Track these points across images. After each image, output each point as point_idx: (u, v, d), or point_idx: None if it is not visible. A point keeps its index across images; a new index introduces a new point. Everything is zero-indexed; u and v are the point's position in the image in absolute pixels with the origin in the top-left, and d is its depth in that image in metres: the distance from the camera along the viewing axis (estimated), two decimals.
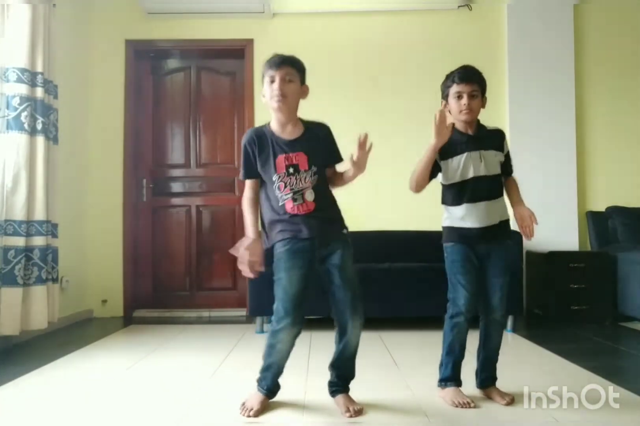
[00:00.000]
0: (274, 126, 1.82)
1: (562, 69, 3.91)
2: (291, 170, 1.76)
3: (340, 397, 1.82)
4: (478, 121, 1.93)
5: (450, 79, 1.89)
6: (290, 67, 1.76)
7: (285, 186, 1.76)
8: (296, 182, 1.76)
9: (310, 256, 1.76)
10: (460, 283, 1.85)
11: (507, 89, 3.90)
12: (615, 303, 3.43)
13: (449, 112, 1.92)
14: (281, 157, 1.77)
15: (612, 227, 3.79)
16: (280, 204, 1.77)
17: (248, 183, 1.85)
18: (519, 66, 3.91)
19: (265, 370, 1.84)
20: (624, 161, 3.96)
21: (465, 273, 1.85)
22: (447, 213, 1.92)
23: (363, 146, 1.74)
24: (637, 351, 2.73)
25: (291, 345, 1.79)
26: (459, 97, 1.86)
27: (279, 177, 1.77)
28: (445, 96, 1.92)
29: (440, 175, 1.91)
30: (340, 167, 1.87)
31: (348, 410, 1.74)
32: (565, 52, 3.92)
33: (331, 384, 1.87)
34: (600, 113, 3.98)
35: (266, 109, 1.86)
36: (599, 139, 3.97)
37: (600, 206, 3.90)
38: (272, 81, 1.76)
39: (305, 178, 1.76)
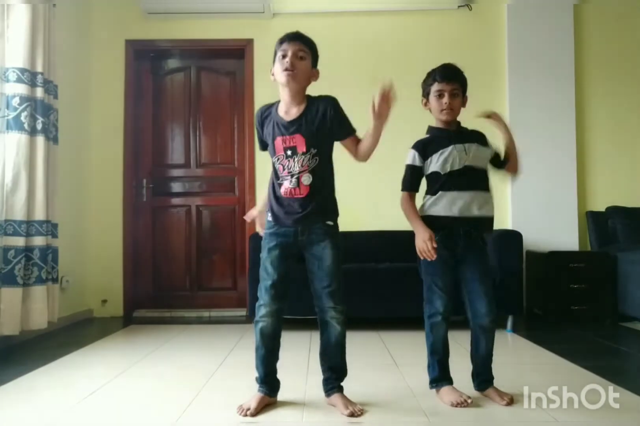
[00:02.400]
0: (281, 106, 1.81)
1: (562, 68, 3.91)
2: (289, 153, 1.75)
3: (336, 396, 1.81)
4: (459, 122, 1.93)
5: (431, 77, 1.90)
6: (303, 44, 1.75)
7: (284, 169, 1.76)
8: (294, 165, 1.74)
9: (293, 240, 1.78)
10: (437, 285, 1.85)
11: (507, 89, 3.90)
12: (615, 303, 3.43)
13: (430, 110, 1.93)
14: (279, 139, 1.77)
15: (612, 227, 3.79)
16: (277, 183, 1.79)
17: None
18: (519, 66, 3.91)
19: (256, 356, 1.84)
20: (624, 161, 3.96)
21: (442, 274, 1.85)
22: (427, 202, 1.91)
23: (385, 97, 1.68)
24: (637, 351, 2.73)
25: (274, 325, 1.80)
26: (440, 95, 1.87)
27: (278, 159, 1.77)
28: (426, 94, 1.93)
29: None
30: (361, 135, 1.83)
31: (348, 409, 1.73)
32: (565, 52, 3.92)
33: (326, 382, 1.86)
34: (600, 113, 3.98)
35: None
36: (599, 138, 3.97)
37: (600, 206, 3.90)
38: (284, 56, 1.73)
39: (302, 161, 1.73)
